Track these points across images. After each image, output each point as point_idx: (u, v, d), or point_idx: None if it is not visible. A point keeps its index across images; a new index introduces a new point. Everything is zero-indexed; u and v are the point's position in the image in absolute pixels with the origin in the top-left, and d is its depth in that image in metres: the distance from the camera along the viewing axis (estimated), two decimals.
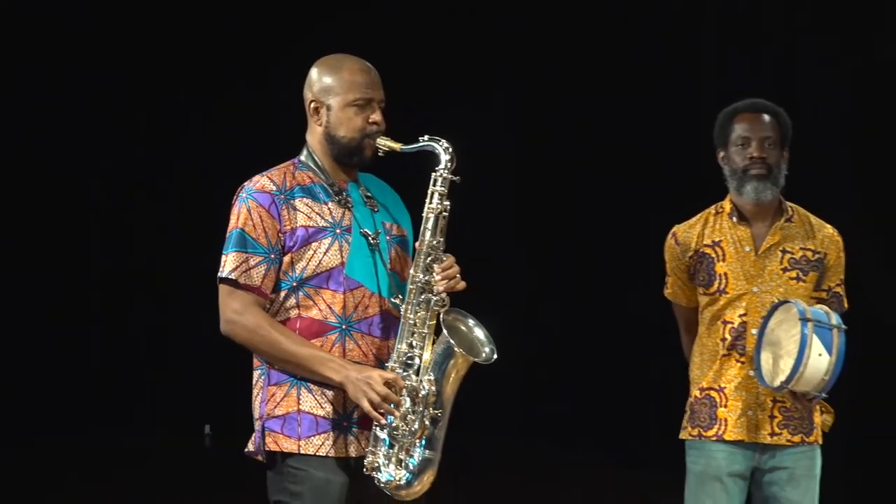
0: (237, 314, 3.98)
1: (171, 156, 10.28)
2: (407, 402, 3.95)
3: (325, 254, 4.01)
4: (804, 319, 4.48)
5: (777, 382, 4.54)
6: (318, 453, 3.97)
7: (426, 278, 4.01)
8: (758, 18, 8.89)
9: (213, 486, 8.47)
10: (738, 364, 4.76)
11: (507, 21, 10.09)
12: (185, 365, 9.91)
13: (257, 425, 4.06)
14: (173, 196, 10.25)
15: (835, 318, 4.55)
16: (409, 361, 3.97)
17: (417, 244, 4.05)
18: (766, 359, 4.63)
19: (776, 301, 4.69)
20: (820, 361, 4.45)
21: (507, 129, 10.34)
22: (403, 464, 3.96)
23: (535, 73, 10.23)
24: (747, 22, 8.95)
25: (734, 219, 4.83)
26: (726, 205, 4.87)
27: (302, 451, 3.97)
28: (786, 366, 4.51)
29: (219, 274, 4.01)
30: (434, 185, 4.06)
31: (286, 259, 4.00)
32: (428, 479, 4.00)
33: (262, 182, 4.04)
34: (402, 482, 3.96)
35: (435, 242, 4.03)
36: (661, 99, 9.37)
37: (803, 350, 4.44)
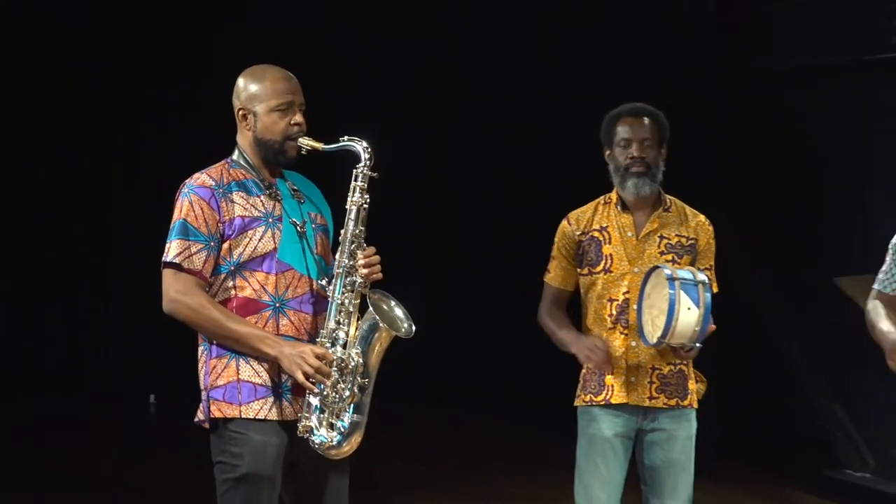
0: (180, 294, 4.00)
1: (120, 149, 10.11)
2: (336, 373, 3.98)
3: (259, 240, 4.04)
4: (672, 279, 4.50)
5: (655, 339, 4.55)
6: (257, 417, 3.99)
7: (350, 263, 4.05)
8: (641, 27, 8.94)
9: (157, 450, 8.38)
10: (623, 336, 4.78)
11: (418, 30, 10.11)
12: (133, 340, 9.75)
13: (203, 395, 4.07)
14: (124, 184, 10.07)
15: (700, 276, 4.58)
16: (337, 337, 4.01)
17: (342, 233, 4.08)
18: (646, 321, 4.65)
19: (647, 271, 4.71)
20: (689, 315, 4.48)
21: (416, 130, 10.36)
22: (334, 427, 3.99)
23: (445, 78, 10.23)
24: (632, 30, 8.99)
25: (619, 208, 4.85)
26: (613, 196, 4.88)
27: (243, 416, 3.99)
28: (660, 322, 4.52)
29: (163, 259, 4.02)
30: (355, 180, 4.09)
31: (225, 246, 4.02)
32: (356, 440, 4.04)
33: (202, 178, 4.06)
34: (334, 443, 4.00)
35: (357, 231, 4.07)
36: (556, 102, 9.34)
37: (673, 306, 4.46)
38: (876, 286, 4.70)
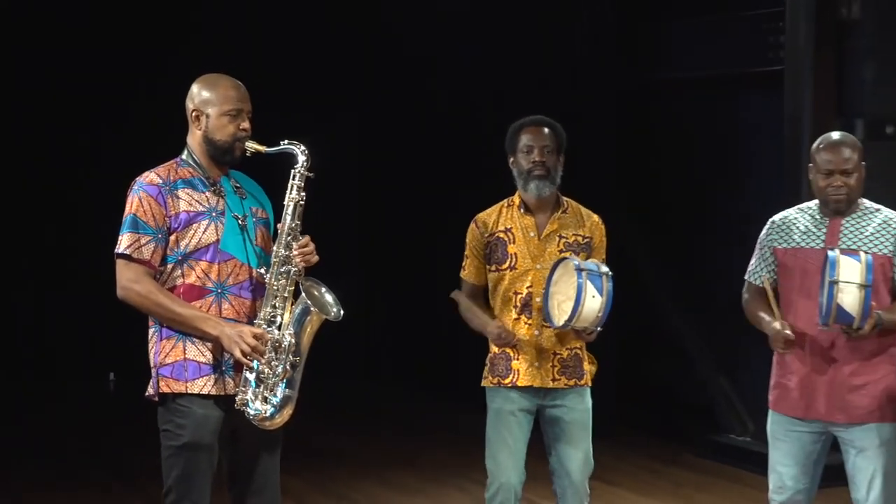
0: (131, 282, 4.02)
1: (84, 143, 9.81)
2: (271, 352, 4.02)
3: (203, 233, 4.06)
4: (579, 270, 4.55)
5: (562, 321, 4.60)
6: (201, 392, 4.03)
7: (286, 253, 4.08)
8: (550, 44, 8.95)
9: (116, 423, 8.31)
10: (527, 325, 4.80)
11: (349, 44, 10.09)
12: (92, 322, 9.58)
13: (153, 372, 4.09)
14: (87, 172, 9.72)
15: (603, 268, 4.65)
16: (273, 319, 4.04)
17: (279, 226, 4.11)
18: (552, 305, 4.66)
19: (555, 262, 4.72)
20: (594, 302, 4.54)
21: (350, 134, 10.30)
22: (268, 400, 4.03)
23: (378, 87, 10.24)
24: (542, 47, 8.99)
25: (522, 210, 4.87)
26: (516, 199, 4.90)
27: (188, 392, 4.02)
28: (568, 307, 4.57)
29: (115, 250, 4.05)
30: (293, 179, 4.12)
31: (171, 238, 4.05)
32: (287, 412, 4.07)
33: (150, 177, 4.08)
34: (267, 415, 4.03)
35: (294, 225, 4.10)
36: (475, 112, 9.38)
37: (580, 293, 4.51)
38: (746, 277, 4.84)
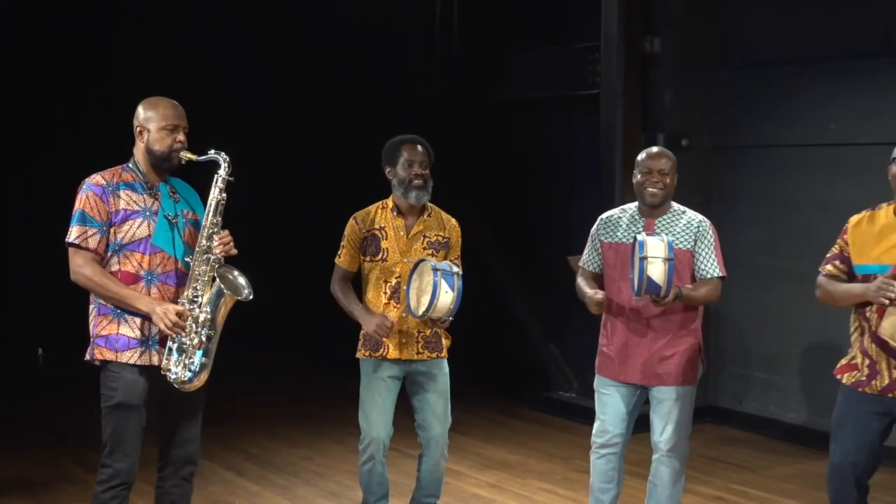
0: (80, 267, 4.01)
1: (45, 148, 9.35)
2: (191, 326, 4.02)
3: (137, 228, 4.05)
4: (435, 269, 4.59)
5: (420, 312, 4.64)
6: (128, 362, 4.03)
7: (208, 244, 4.08)
8: (411, 71, 9.01)
9: (45, 394, 8.14)
10: (395, 308, 4.83)
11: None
12: (23, 302, 9.19)
13: (91, 341, 4.09)
14: (40, 167, 9.26)
15: (455, 268, 4.67)
16: (194, 299, 4.04)
17: (203, 221, 4.11)
18: (412, 298, 4.70)
19: (415, 262, 4.74)
20: (447, 296, 4.57)
21: (260, 145, 10.10)
22: (187, 366, 4.03)
23: (279, 101, 10.10)
24: (406, 73, 9.03)
25: (394, 213, 4.87)
26: (390, 202, 4.90)
27: (118, 360, 4.02)
28: (425, 301, 4.60)
29: (66, 239, 4.03)
30: (216, 183, 4.12)
31: (112, 231, 4.03)
32: (204, 376, 4.08)
33: (97, 178, 4.07)
34: (186, 379, 4.04)
35: (215, 220, 4.10)
36: (353, 126, 9.36)
37: (436, 289, 4.54)
38: (580, 264, 4.91)
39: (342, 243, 4.95)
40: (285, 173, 10.19)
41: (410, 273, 4.73)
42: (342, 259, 4.95)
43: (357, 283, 5.00)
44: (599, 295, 4.62)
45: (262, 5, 9.67)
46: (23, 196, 9.26)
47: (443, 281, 4.56)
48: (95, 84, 9.37)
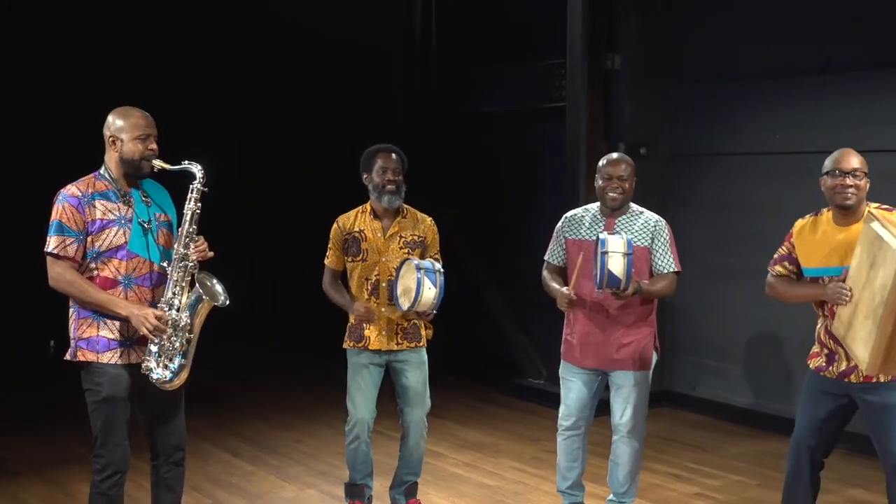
0: (59, 275, 3.86)
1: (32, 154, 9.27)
2: (171, 329, 3.90)
3: (114, 237, 3.90)
4: (419, 268, 4.58)
5: (406, 307, 4.63)
6: (109, 362, 3.91)
7: (185, 252, 3.94)
8: (391, 85, 9.00)
9: (55, 383, 7.76)
10: (376, 303, 4.81)
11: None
12: (37, 297, 9.06)
13: (72, 343, 3.96)
14: (35, 162, 9.17)
15: (437, 266, 4.66)
16: (172, 303, 3.92)
17: (180, 230, 3.95)
18: (399, 293, 4.67)
19: (401, 261, 4.74)
20: (430, 292, 4.58)
21: (239, 149, 10.08)
22: (167, 367, 3.91)
23: (260, 106, 10.02)
24: (384, 86, 9.01)
25: (372, 216, 4.86)
26: (368, 206, 4.89)
27: (100, 361, 3.91)
28: (410, 297, 4.60)
29: (45, 249, 3.88)
30: (191, 192, 3.97)
31: (89, 239, 3.88)
32: (184, 376, 3.96)
33: (72, 189, 3.90)
34: (166, 379, 3.92)
35: (191, 229, 3.96)
36: (334, 134, 9.33)
37: (420, 286, 4.55)
38: (546, 257, 4.91)
39: (329, 245, 4.93)
40: (273, 180, 10.11)
41: (397, 271, 4.70)
42: (330, 260, 4.94)
43: (346, 281, 5.01)
44: (574, 296, 4.60)
45: (245, 18, 9.51)
46: (32, 192, 9.03)
47: (426, 278, 4.57)
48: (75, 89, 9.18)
